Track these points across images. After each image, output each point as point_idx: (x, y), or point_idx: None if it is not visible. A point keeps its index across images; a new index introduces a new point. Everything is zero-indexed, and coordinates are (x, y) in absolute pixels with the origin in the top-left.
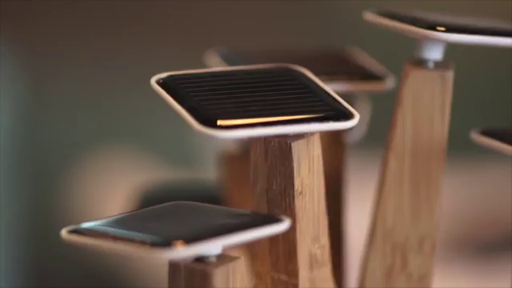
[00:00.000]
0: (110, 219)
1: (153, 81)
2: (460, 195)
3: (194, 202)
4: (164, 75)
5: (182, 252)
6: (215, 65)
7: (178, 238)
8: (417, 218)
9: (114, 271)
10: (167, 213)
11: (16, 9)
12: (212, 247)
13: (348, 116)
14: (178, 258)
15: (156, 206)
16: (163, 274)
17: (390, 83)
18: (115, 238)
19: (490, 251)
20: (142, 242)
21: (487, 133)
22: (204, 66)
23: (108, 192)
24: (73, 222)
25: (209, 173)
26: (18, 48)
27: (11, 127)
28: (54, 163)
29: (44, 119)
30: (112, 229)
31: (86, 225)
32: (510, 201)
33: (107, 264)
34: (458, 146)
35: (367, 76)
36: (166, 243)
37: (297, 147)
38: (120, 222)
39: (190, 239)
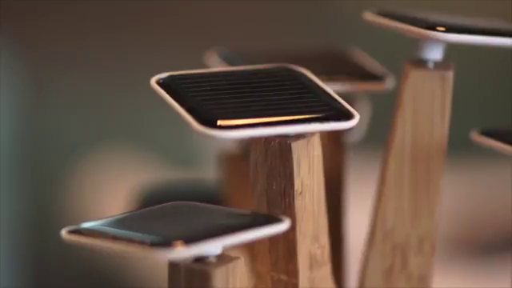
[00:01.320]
0: (109, 219)
1: (153, 81)
2: (460, 195)
3: (194, 202)
4: (164, 75)
5: (182, 252)
6: (215, 65)
7: (177, 238)
8: (417, 218)
9: (113, 271)
10: (167, 213)
11: (16, 9)
12: (212, 247)
13: (348, 116)
14: (177, 258)
15: (156, 206)
16: (163, 274)
17: (389, 83)
18: (115, 238)
19: (490, 251)
20: (142, 242)
21: (487, 133)
22: (204, 66)
23: (108, 192)
24: (73, 222)
25: (209, 173)
26: (17, 48)
27: (11, 127)
28: (53, 163)
29: (44, 119)
30: (112, 229)
31: (85, 225)
32: (509, 201)
33: (107, 264)
34: (458, 146)
35: (367, 76)
36: (166, 243)
37: (297, 147)
38: (120, 222)
39: (190, 239)
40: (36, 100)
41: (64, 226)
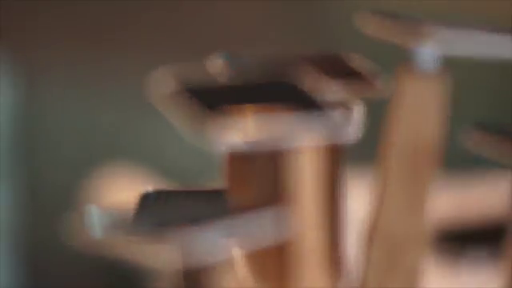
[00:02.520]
0: (113, 218)
1: (157, 90)
2: (455, 198)
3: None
4: (172, 84)
5: (187, 234)
6: (216, 68)
7: (182, 223)
8: (412, 217)
9: (114, 271)
10: (164, 206)
11: (15, 11)
12: (213, 242)
13: (344, 128)
14: (181, 240)
15: (151, 202)
16: (163, 274)
17: (385, 86)
18: (126, 231)
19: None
20: (151, 228)
21: (480, 128)
22: (205, 70)
23: (108, 193)
24: (73, 224)
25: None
26: (18, 56)
27: (11, 127)
28: (53, 165)
29: (44, 121)
30: (119, 223)
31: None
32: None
33: (107, 264)
34: (456, 150)
35: (363, 79)
36: (174, 226)
37: (296, 150)
38: (125, 219)
39: (195, 223)
40: (34, 106)
41: (63, 227)
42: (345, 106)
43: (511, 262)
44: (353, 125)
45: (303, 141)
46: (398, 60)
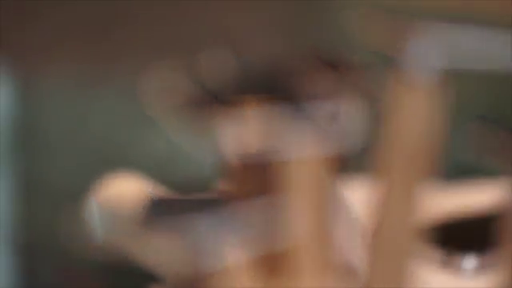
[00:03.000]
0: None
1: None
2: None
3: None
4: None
5: (189, 227)
6: (215, 66)
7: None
8: (411, 219)
9: (114, 271)
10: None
11: (15, 12)
12: (213, 239)
13: (337, 126)
14: (183, 232)
15: (152, 204)
16: (165, 273)
17: (382, 85)
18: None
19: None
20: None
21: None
22: (204, 69)
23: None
24: (74, 227)
25: (212, 186)
26: (16, 60)
27: (10, 133)
28: (53, 167)
29: (42, 126)
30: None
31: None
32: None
33: (107, 264)
34: (454, 151)
35: (360, 79)
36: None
37: (293, 165)
38: (126, 218)
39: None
40: (34, 105)
41: (63, 227)
42: (341, 105)
43: (509, 262)
44: (351, 125)
45: (301, 141)
46: (396, 60)
